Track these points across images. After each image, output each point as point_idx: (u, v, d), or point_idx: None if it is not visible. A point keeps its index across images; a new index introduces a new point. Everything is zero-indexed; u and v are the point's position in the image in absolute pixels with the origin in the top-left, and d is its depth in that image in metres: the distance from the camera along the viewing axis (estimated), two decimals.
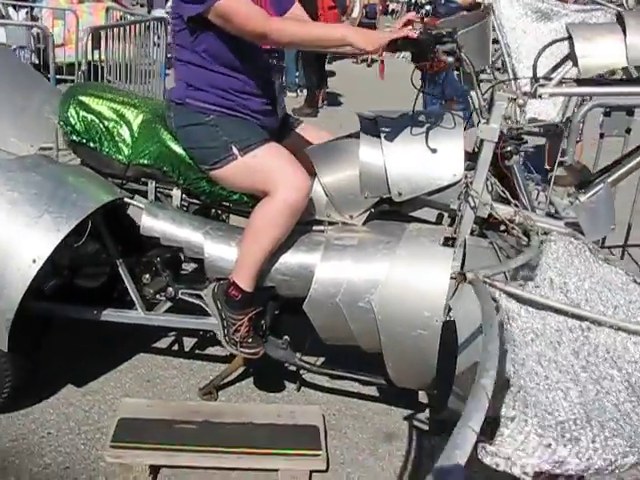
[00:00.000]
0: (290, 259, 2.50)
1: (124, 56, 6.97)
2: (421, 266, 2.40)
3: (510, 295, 1.57)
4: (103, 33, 6.73)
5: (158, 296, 2.78)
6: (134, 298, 2.71)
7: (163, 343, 3.29)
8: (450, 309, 2.29)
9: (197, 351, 3.28)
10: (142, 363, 3.14)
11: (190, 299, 2.70)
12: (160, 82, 7.34)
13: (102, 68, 7.82)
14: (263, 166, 2.44)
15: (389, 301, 2.38)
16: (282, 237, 2.46)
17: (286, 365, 2.89)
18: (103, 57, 7.35)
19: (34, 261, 2.31)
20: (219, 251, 2.54)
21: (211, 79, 2.45)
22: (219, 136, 2.46)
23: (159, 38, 7.20)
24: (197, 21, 2.32)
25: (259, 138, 2.48)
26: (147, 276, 2.76)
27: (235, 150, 2.44)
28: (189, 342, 3.31)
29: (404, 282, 2.39)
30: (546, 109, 2.85)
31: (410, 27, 2.17)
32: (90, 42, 5.45)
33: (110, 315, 2.74)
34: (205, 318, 2.71)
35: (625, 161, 2.61)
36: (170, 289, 2.70)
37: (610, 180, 2.55)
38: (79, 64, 6.89)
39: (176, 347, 3.30)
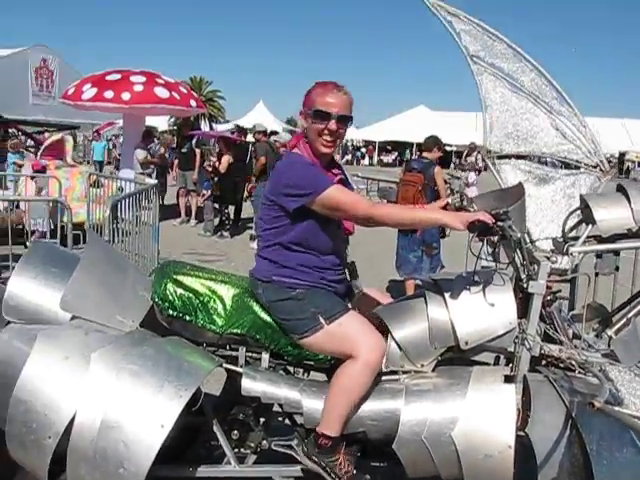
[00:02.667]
0: (377, 406, 2.88)
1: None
2: (490, 402, 2.82)
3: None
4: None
5: (244, 449, 3.09)
6: (228, 453, 3.01)
7: None
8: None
9: None
10: None
11: (282, 449, 3.02)
12: (154, 245, 7.73)
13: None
14: (347, 333, 2.86)
15: (467, 433, 2.77)
16: (365, 392, 2.86)
17: None
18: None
19: (162, 426, 2.62)
20: (315, 404, 2.91)
21: (298, 259, 2.92)
22: (307, 308, 2.89)
23: (150, 202, 7.65)
24: (299, 210, 2.81)
25: (341, 307, 2.94)
26: (236, 432, 3.07)
27: (322, 320, 2.87)
28: None
29: (478, 417, 2.79)
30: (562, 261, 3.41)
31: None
32: (110, 212, 5.86)
33: (208, 471, 3.02)
34: (294, 465, 3.03)
35: (638, 299, 3.15)
36: (265, 442, 3.02)
37: (631, 315, 3.08)
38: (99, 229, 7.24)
39: None
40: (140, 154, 12.61)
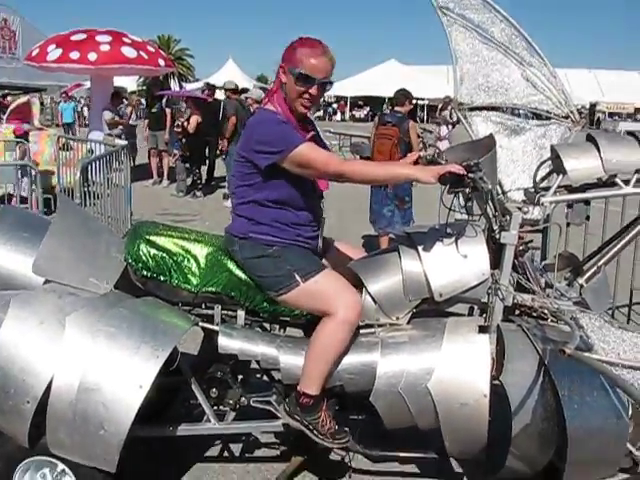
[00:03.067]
0: (354, 360, 2.91)
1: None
2: (465, 352, 2.86)
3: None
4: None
5: (223, 407, 3.12)
6: (207, 411, 3.04)
7: (213, 452, 3.57)
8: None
9: (247, 455, 3.57)
10: (202, 472, 3.41)
11: (261, 405, 3.05)
12: (126, 207, 7.67)
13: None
14: (323, 290, 2.87)
15: (443, 384, 2.82)
16: (344, 349, 2.88)
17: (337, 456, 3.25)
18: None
19: (140, 387, 2.62)
20: (292, 360, 2.93)
21: (274, 215, 2.91)
22: (283, 266, 2.89)
23: (121, 164, 7.57)
24: (271, 167, 2.79)
25: (317, 265, 2.95)
26: (214, 390, 3.09)
27: (298, 277, 2.87)
28: (236, 448, 3.61)
29: (453, 367, 2.83)
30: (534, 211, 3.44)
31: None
32: (81, 175, 5.78)
33: (188, 429, 3.04)
34: (273, 421, 3.08)
35: (609, 247, 3.20)
36: (243, 399, 3.05)
37: (601, 264, 3.13)
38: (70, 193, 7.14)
39: (226, 454, 3.58)
40: (107, 115, 12.43)
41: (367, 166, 2.92)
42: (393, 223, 7.17)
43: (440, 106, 20.48)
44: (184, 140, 12.07)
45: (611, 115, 47.59)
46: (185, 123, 11.93)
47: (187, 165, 12.61)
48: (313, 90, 2.84)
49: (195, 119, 11.85)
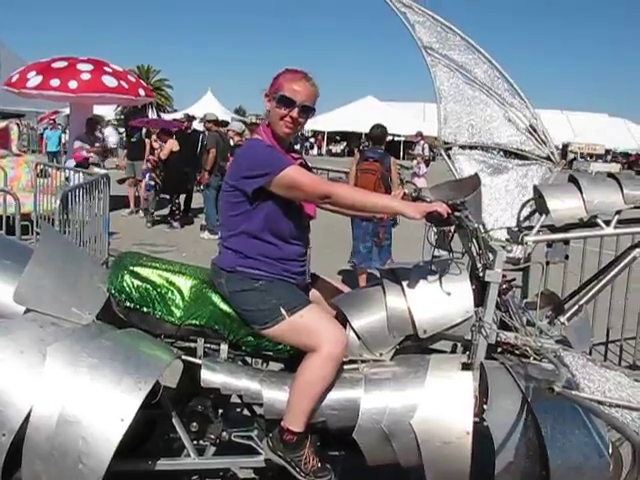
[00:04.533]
0: (337, 395, 2.90)
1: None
2: (448, 389, 2.86)
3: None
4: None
5: (203, 441, 3.08)
6: (187, 446, 3.00)
7: None
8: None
9: None
10: None
11: (243, 440, 3.02)
12: (104, 236, 7.61)
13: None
14: (308, 325, 2.87)
15: (426, 421, 2.81)
16: (329, 384, 2.87)
17: None
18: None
19: (122, 420, 2.58)
20: (275, 395, 2.91)
21: (262, 249, 2.91)
22: (269, 300, 2.89)
23: (100, 192, 7.52)
24: (259, 193, 2.81)
25: (303, 300, 2.95)
26: (195, 424, 3.05)
27: (284, 311, 2.87)
28: None
29: (437, 404, 2.83)
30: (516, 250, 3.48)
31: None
32: (61, 202, 5.73)
33: (167, 464, 3.00)
34: (254, 456, 3.04)
35: (590, 286, 3.24)
36: (224, 433, 3.01)
37: (582, 303, 3.16)
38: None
39: None
40: (76, 144, 12.34)
41: (357, 191, 2.94)
42: (368, 260, 7.17)
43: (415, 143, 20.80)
44: (158, 170, 12.02)
45: (582, 156, 48.46)
46: (159, 152, 11.92)
47: (165, 195, 12.52)
48: (294, 113, 2.88)
49: (170, 145, 11.83)
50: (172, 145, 11.87)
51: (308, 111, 2.92)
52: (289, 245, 2.95)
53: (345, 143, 47.75)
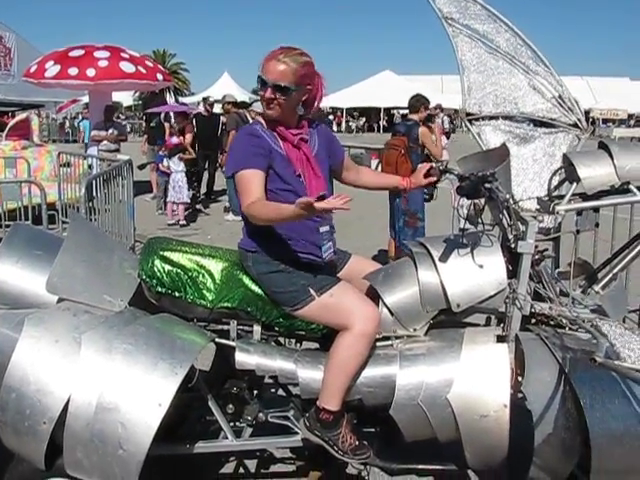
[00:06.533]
0: (372, 373, 2.89)
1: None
2: (484, 362, 2.84)
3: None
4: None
5: (239, 423, 3.09)
6: (225, 428, 3.01)
7: (229, 468, 3.54)
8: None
9: (263, 470, 3.54)
10: None
11: (279, 421, 3.03)
12: (129, 222, 7.65)
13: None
14: (339, 304, 2.85)
15: (463, 395, 2.80)
16: (363, 362, 2.86)
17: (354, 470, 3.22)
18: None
19: (159, 405, 2.59)
20: (310, 374, 2.91)
21: (277, 227, 2.88)
22: (297, 281, 2.87)
23: (124, 179, 7.55)
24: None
25: (331, 278, 2.92)
26: (231, 406, 3.07)
27: (313, 292, 2.85)
28: (252, 464, 3.58)
29: (473, 378, 2.81)
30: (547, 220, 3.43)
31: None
32: (85, 191, 5.77)
33: (205, 447, 3.01)
34: (291, 436, 3.05)
35: (623, 254, 3.19)
36: (261, 414, 3.02)
37: (616, 271, 3.12)
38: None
39: (242, 470, 3.55)
40: (93, 133, 12.38)
41: (264, 209, 2.74)
42: (400, 237, 6.97)
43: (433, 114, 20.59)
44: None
45: (605, 121, 47.73)
46: (181, 139, 11.86)
47: (193, 179, 12.33)
48: (267, 93, 2.83)
49: (190, 135, 11.76)
50: (191, 134, 11.79)
51: (283, 90, 2.81)
52: (303, 221, 2.84)
53: (364, 119, 47.49)
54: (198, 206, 12.28)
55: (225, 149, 11.05)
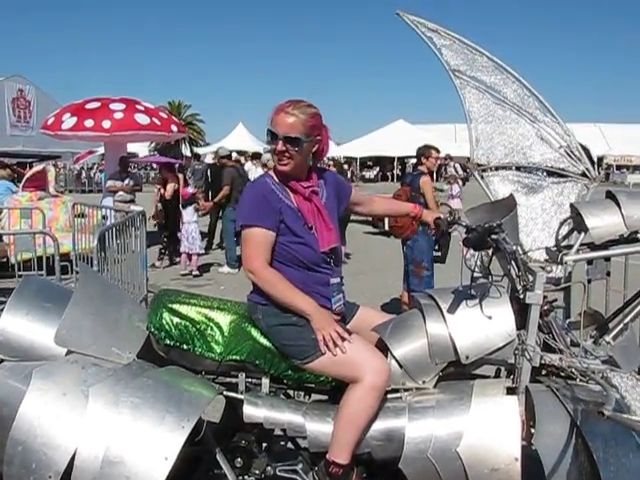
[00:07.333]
0: (381, 426, 2.86)
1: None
2: (494, 415, 2.80)
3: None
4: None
5: (248, 476, 3.06)
6: None
7: None
8: None
9: None
10: None
11: (288, 475, 2.99)
12: (142, 272, 7.69)
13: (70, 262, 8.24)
14: (349, 357, 2.83)
15: (473, 448, 2.76)
16: (373, 415, 2.83)
17: None
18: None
19: (166, 459, 2.57)
20: (319, 427, 2.88)
21: (292, 278, 2.89)
22: (307, 335, 2.87)
23: (137, 229, 7.62)
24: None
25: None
26: (239, 459, 3.03)
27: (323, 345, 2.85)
28: None
29: (483, 430, 2.77)
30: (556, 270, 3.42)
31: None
32: (98, 241, 5.83)
33: None
34: None
35: (635, 303, 3.17)
36: (269, 468, 2.99)
37: (628, 321, 3.09)
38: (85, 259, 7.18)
39: None
40: (109, 183, 12.53)
41: (279, 283, 2.85)
42: (409, 285, 6.94)
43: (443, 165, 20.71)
44: (159, 207, 11.88)
45: (619, 167, 47.79)
46: (162, 190, 11.82)
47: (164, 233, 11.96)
48: (279, 146, 2.86)
49: (172, 185, 11.76)
50: (174, 186, 11.78)
51: (294, 142, 2.85)
52: (314, 273, 2.92)
53: (378, 168, 47.80)
54: (158, 263, 11.63)
55: (214, 201, 11.22)
